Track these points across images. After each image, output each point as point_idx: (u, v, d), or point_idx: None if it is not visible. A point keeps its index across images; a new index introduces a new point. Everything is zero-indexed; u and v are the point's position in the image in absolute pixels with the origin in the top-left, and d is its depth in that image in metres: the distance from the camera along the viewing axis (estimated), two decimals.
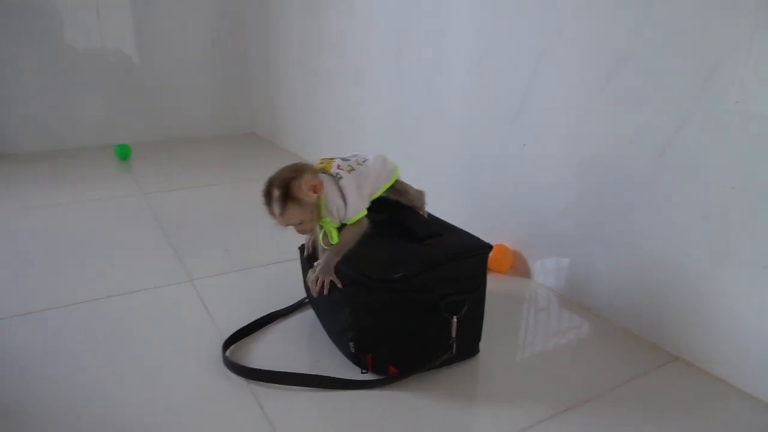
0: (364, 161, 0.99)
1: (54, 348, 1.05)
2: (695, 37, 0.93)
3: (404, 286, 0.89)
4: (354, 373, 0.96)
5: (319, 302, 1.04)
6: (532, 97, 1.25)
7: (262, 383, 0.94)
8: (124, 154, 2.44)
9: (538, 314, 1.20)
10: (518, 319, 1.18)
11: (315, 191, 0.89)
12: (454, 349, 0.93)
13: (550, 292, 1.28)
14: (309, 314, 1.15)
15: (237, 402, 0.90)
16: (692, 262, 0.99)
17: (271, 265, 1.39)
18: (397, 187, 1.05)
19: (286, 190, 0.88)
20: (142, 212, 1.78)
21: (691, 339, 1.02)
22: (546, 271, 1.30)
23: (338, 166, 0.96)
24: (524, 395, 0.93)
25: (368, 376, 0.95)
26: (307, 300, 1.16)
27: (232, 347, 1.04)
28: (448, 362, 0.96)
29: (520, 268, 1.37)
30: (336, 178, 0.94)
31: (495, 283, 1.27)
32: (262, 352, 1.03)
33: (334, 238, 0.93)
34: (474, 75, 1.40)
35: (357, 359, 0.96)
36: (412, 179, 1.08)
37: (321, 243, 0.96)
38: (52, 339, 1.07)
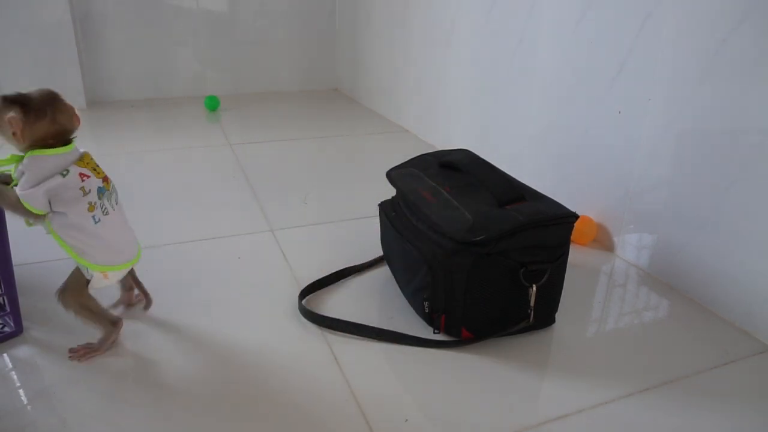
0: (114, 206, 0.86)
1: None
2: None
3: (485, 250, 0.87)
4: (426, 333, 0.96)
5: (396, 260, 1.05)
6: (634, 60, 1.17)
7: (334, 332, 0.96)
8: (213, 105, 2.52)
9: (619, 290, 1.15)
10: (597, 293, 1.14)
11: (10, 127, 0.77)
12: (531, 318, 0.91)
13: (634, 269, 1.22)
14: (383, 271, 1.16)
15: (310, 347, 0.93)
16: None
17: (350, 220, 1.41)
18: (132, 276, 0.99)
19: (5, 102, 0.77)
20: (228, 162, 1.84)
21: None
22: (631, 247, 1.24)
23: (80, 174, 0.80)
24: (599, 371, 0.90)
25: (440, 337, 0.95)
26: (383, 257, 1.17)
27: (308, 297, 1.07)
28: (522, 330, 0.95)
29: (603, 241, 1.31)
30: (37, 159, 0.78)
31: (576, 255, 1.23)
32: (336, 305, 1.05)
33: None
34: (571, 35, 1.33)
35: (430, 319, 0.96)
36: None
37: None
38: (139, 275, 1.14)
